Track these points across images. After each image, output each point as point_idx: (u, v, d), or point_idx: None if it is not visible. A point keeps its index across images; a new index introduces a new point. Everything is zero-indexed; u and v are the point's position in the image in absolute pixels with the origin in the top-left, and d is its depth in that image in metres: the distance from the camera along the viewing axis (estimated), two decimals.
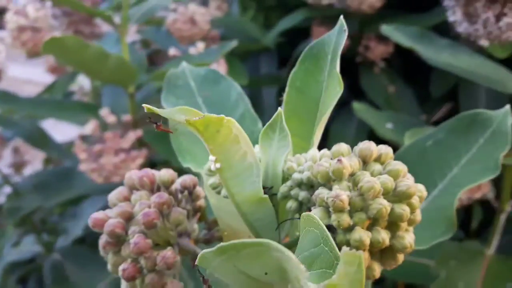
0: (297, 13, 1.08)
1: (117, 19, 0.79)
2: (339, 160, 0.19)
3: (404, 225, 0.20)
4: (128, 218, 0.22)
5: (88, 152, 0.72)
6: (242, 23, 1.21)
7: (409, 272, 0.64)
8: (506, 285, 0.50)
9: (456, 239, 0.81)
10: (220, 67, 0.81)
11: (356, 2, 0.95)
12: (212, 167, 0.21)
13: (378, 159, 0.20)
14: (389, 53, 1.03)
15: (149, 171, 0.24)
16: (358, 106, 0.72)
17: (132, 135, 0.72)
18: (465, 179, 0.27)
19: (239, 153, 0.20)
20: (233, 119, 0.19)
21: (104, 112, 0.74)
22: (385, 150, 0.21)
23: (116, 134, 0.70)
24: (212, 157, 0.20)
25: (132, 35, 1.39)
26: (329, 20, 1.03)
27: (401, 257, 0.20)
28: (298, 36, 1.09)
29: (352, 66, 1.04)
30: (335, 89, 0.24)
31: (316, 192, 0.20)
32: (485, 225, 0.82)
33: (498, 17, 0.49)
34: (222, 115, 0.19)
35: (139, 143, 0.76)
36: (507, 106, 0.28)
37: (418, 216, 0.20)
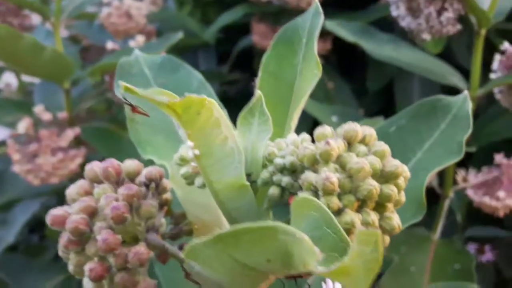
0: (237, 9, 1.07)
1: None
2: (327, 142, 0.19)
3: (390, 206, 0.19)
4: (92, 214, 0.20)
5: (22, 152, 0.67)
6: (180, 18, 1.19)
7: None
8: (453, 266, 0.53)
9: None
10: None
11: None
12: (191, 154, 0.19)
13: (362, 141, 0.20)
14: (327, 50, 1.05)
15: (113, 161, 0.22)
16: None
17: (70, 133, 0.68)
18: (430, 162, 0.27)
19: (220, 137, 0.19)
20: (213, 100, 0.18)
21: (39, 109, 0.69)
22: (369, 131, 0.20)
23: (52, 132, 0.66)
24: (190, 143, 0.19)
25: (60, 31, 1.32)
26: (269, 17, 1.04)
27: (387, 239, 0.20)
28: (237, 32, 1.09)
29: None
30: (312, 71, 0.23)
31: (303, 176, 0.19)
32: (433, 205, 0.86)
33: (440, 12, 0.51)
34: (204, 96, 0.18)
35: (76, 142, 0.72)
36: (465, 92, 0.29)
37: (403, 197, 0.20)
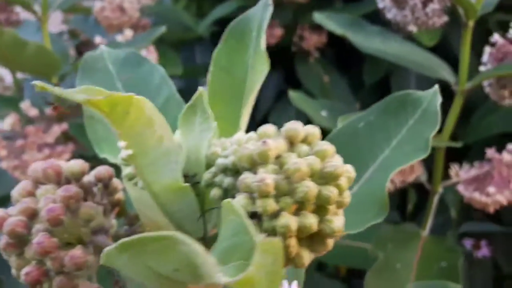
0: (230, 2, 1.06)
1: (37, 6, 0.74)
2: (264, 142, 0.18)
3: (332, 208, 0.18)
4: (32, 216, 0.20)
5: (9, 148, 0.67)
6: (175, 11, 1.18)
7: (348, 256, 0.64)
8: (440, 264, 0.52)
9: (393, 223, 0.83)
10: (150, 55, 0.77)
11: None
12: (123, 154, 0.19)
13: (305, 140, 0.19)
14: (323, 43, 1.04)
15: (55, 162, 0.21)
16: (294, 95, 0.71)
17: (57, 129, 0.67)
18: (396, 160, 0.26)
19: (154, 137, 0.18)
20: (144, 98, 0.17)
21: (25, 105, 0.69)
22: (312, 130, 0.19)
23: (38, 129, 0.65)
24: (122, 143, 0.18)
25: (58, 25, 1.32)
26: None
27: (330, 242, 0.19)
28: None
29: (288, 56, 1.04)
30: (261, 67, 0.22)
31: (240, 177, 0.18)
32: (420, 207, 0.85)
33: (425, 3, 0.50)
34: (131, 94, 0.17)
35: (65, 138, 0.71)
36: (436, 86, 0.28)
37: (346, 198, 0.19)
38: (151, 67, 0.29)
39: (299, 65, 1.05)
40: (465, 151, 0.83)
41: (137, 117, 0.17)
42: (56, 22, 1.32)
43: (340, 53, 1.12)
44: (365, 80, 0.99)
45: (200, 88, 0.22)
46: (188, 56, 1.24)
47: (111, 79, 0.29)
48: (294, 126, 0.19)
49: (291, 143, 0.19)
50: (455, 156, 0.72)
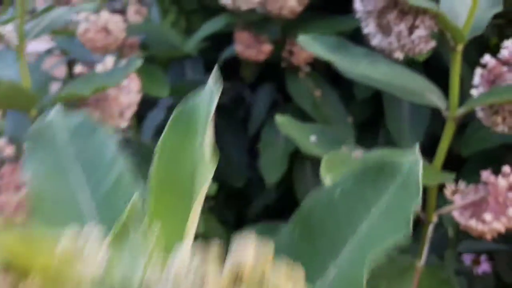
0: (218, 19, 1.04)
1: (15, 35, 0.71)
2: (202, 283, 0.15)
3: None
4: None
5: None
6: (162, 29, 1.16)
7: None
8: None
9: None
10: (132, 82, 0.75)
11: (276, 7, 0.92)
12: None
13: (254, 271, 0.16)
14: (313, 58, 1.01)
15: None
16: (280, 120, 0.68)
17: None
18: (375, 237, 0.24)
19: (71, 282, 0.16)
20: (53, 252, 0.14)
21: (1, 143, 0.66)
22: (261, 262, 0.16)
23: (14, 168, 0.63)
24: None
25: (48, 42, 1.30)
26: (252, 26, 1.01)
27: None
28: (223, 40, 1.05)
29: (278, 70, 1.02)
30: (207, 166, 0.20)
31: None
32: (419, 224, 0.83)
33: (411, 30, 0.47)
34: (34, 252, 0.14)
35: None
36: (416, 154, 0.26)
37: None
38: (105, 138, 0.27)
39: (289, 80, 1.03)
40: (462, 163, 0.81)
41: (44, 275, 0.15)
42: (45, 39, 1.30)
43: (331, 65, 1.10)
44: (356, 95, 0.97)
45: (132, 200, 0.19)
46: (177, 73, 1.23)
47: (61, 153, 0.27)
48: (239, 260, 0.16)
49: (236, 279, 0.16)
50: (452, 167, 0.69)
